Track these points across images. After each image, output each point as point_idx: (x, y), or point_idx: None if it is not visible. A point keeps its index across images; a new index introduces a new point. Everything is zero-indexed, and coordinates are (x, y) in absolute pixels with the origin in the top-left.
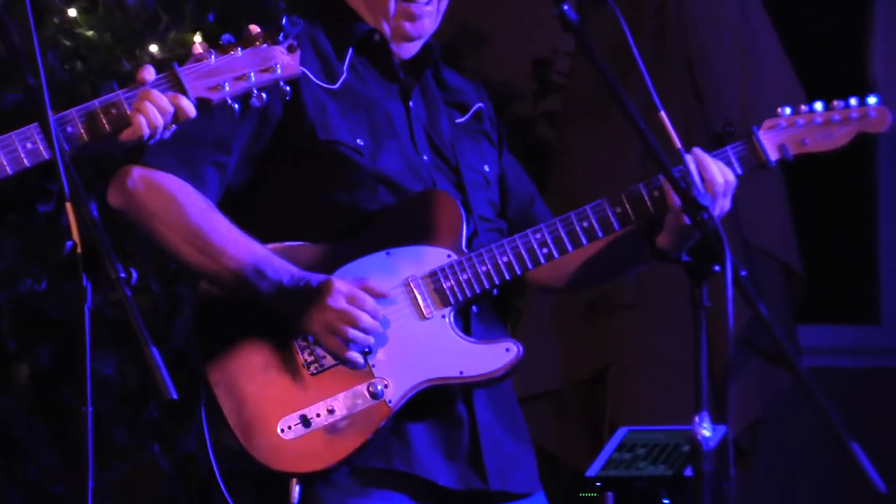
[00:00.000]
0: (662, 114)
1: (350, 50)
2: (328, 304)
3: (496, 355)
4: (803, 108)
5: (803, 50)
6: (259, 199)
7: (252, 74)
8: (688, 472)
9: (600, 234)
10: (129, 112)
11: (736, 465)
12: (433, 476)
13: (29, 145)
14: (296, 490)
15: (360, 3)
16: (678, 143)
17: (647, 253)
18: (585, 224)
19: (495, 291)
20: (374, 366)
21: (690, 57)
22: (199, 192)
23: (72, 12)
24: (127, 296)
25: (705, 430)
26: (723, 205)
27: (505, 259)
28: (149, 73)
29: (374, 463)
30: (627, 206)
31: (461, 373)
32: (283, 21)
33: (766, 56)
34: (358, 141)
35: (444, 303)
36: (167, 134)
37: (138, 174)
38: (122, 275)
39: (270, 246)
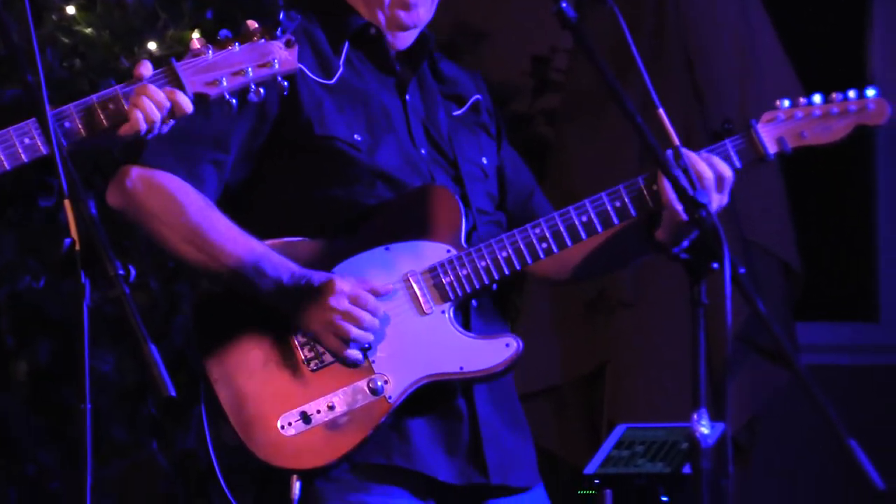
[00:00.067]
0: (661, 111)
1: (346, 44)
2: (330, 304)
3: (496, 350)
4: (802, 100)
5: (803, 49)
6: (257, 195)
7: (250, 69)
8: (686, 469)
9: (599, 229)
10: (126, 107)
11: (734, 462)
12: (433, 472)
13: (27, 140)
14: (296, 486)
15: None
16: (676, 141)
17: (646, 246)
18: (584, 218)
19: (495, 287)
20: (374, 362)
21: (690, 57)
22: (198, 190)
23: (70, 10)
24: (125, 293)
25: (704, 428)
26: (719, 199)
27: (504, 254)
28: (146, 69)
29: (375, 459)
30: (627, 201)
31: (461, 368)
32: (281, 16)
33: (766, 56)
34: (355, 136)
35: (444, 298)
36: (164, 129)
37: (137, 174)
38: (121, 272)
39: (269, 242)
